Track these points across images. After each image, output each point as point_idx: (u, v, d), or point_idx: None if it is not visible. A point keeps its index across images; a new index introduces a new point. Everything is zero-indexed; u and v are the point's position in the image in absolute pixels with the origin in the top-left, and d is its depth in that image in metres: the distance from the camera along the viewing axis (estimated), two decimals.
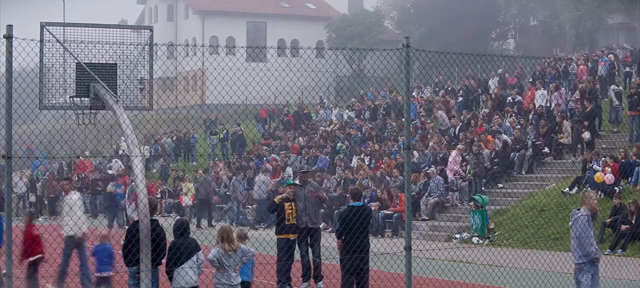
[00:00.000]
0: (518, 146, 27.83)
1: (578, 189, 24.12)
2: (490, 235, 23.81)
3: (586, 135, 26.55)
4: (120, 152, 43.05)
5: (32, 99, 10.32)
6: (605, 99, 29.74)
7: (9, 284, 9.27)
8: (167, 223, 11.14)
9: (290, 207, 15.48)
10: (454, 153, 27.61)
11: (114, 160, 40.74)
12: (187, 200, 34.96)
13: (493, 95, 33.89)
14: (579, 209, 11.77)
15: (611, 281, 15.71)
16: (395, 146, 32.02)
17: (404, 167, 11.92)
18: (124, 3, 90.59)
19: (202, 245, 10.88)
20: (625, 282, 15.89)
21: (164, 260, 10.72)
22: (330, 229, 25.93)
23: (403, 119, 18.67)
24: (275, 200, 16.07)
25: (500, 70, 36.56)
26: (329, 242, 14.67)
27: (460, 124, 31.74)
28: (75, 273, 15.41)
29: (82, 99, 10.49)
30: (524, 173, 27.40)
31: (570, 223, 11.79)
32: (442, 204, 27.09)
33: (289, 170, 33.94)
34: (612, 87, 29.17)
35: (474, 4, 53.45)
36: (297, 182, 16.02)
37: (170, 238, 10.90)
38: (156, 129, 39.28)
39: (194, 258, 10.55)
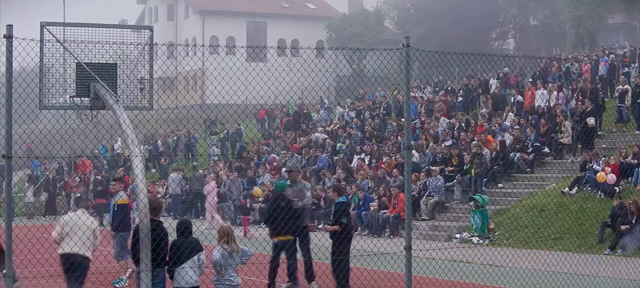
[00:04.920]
0: (518, 146, 27.81)
1: (578, 189, 24.13)
2: (490, 235, 23.80)
3: (590, 120, 26.28)
4: (116, 151, 43.09)
5: (32, 99, 10.30)
6: (608, 99, 29.76)
7: (9, 284, 9.25)
8: (167, 222, 11.12)
9: None
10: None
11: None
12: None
13: (493, 95, 33.88)
14: None
15: (611, 281, 15.70)
16: (394, 146, 31.99)
17: (404, 167, 11.90)
18: (124, 3, 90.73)
19: (203, 244, 10.87)
20: (625, 282, 15.86)
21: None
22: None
23: (403, 119, 18.68)
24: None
25: (505, 69, 36.56)
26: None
27: (458, 124, 31.78)
28: None
29: (82, 98, 10.48)
30: (524, 173, 27.38)
31: None
32: (442, 204, 27.10)
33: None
34: (618, 87, 29.19)
35: (474, 4, 53.44)
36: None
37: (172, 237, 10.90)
38: (156, 129, 39.28)
39: (195, 258, 10.54)
